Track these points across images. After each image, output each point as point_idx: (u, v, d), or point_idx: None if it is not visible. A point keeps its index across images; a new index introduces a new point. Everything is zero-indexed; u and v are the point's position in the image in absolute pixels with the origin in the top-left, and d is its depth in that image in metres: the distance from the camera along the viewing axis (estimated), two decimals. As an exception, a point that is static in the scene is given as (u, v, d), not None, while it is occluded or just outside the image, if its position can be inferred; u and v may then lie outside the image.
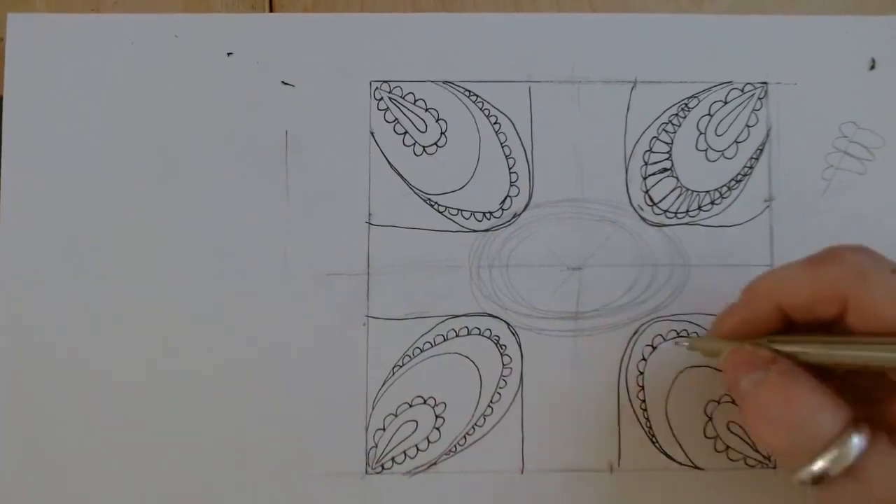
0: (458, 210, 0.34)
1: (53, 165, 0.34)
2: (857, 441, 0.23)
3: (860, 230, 0.34)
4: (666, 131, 0.34)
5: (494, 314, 0.34)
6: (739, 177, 0.34)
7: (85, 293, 0.33)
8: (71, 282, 0.33)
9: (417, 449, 0.33)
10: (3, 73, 0.34)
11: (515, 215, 0.34)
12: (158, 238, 0.34)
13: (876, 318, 0.23)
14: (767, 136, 0.34)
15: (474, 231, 0.34)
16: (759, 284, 0.27)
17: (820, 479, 0.23)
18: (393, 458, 0.33)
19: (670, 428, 0.33)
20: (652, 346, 0.34)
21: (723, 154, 0.34)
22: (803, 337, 0.25)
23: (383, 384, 0.34)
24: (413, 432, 0.33)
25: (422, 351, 0.34)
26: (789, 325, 0.27)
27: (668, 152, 0.34)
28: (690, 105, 0.34)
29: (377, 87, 0.35)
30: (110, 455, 0.33)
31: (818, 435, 0.23)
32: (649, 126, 0.34)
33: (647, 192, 0.34)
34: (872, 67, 0.35)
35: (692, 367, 0.34)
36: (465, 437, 0.33)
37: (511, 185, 0.34)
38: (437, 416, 0.34)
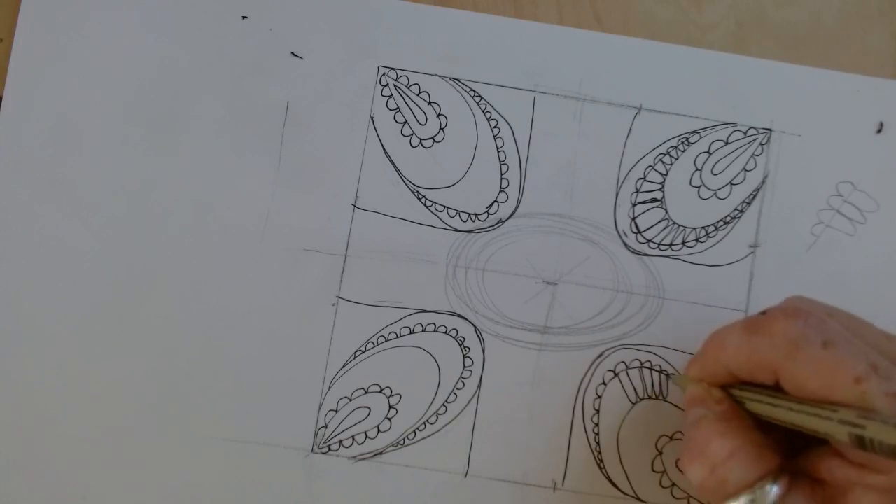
0: (445, 207, 0.34)
1: (56, 104, 0.34)
2: (772, 490, 0.24)
3: (839, 290, 0.34)
4: (662, 162, 0.34)
5: (463, 315, 0.34)
6: (729, 218, 0.34)
7: (51, 232, 0.34)
8: (44, 224, 0.34)
9: (366, 436, 0.33)
10: (4, 71, 0.34)
11: (500, 221, 0.34)
12: (143, 188, 0.34)
13: (804, 392, 0.23)
14: (763, 182, 0.34)
15: (457, 230, 0.34)
16: (706, 347, 0.27)
17: None
18: (340, 441, 0.33)
19: (619, 456, 0.33)
20: (614, 371, 0.34)
21: (716, 193, 0.34)
22: (756, 388, 0.26)
23: (343, 367, 0.34)
24: (364, 419, 0.33)
25: (386, 340, 0.34)
26: None
27: (661, 183, 0.34)
28: (691, 140, 0.34)
29: (384, 73, 0.35)
30: (54, 415, 0.33)
31: (729, 479, 0.24)
32: (647, 154, 0.34)
33: (633, 219, 0.34)
34: (880, 131, 0.34)
35: (648, 398, 0.33)
36: (415, 431, 0.33)
37: (500, 191, 0.34)
38: (390, 407, 0.34)
